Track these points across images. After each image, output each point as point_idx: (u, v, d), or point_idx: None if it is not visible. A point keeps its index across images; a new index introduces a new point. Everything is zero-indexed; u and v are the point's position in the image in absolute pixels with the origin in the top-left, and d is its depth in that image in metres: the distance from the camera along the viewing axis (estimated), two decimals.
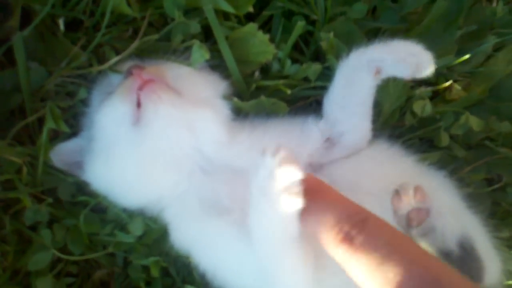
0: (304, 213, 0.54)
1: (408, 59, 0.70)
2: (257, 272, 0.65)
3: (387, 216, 0.68)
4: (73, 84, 0.80)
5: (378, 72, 0.73)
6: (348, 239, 0.48)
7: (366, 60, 0.73)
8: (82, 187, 0.81)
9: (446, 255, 0.67)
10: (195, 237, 0.73)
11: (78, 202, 0.82)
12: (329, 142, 0.78)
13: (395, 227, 0.50)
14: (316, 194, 0.54)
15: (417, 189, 0.68)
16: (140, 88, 0.70)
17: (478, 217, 0.77)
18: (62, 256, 0.81)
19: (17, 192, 0.77)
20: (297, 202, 0.53)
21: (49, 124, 0.74)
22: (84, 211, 0.80)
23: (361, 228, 0.48)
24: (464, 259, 0.68)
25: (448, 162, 0.86)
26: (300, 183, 0.54)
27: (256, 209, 0.58)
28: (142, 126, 0.70)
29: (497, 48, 0.90)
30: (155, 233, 0.82)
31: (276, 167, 0.53)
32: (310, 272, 0.62)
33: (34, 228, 0.81)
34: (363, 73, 0.74)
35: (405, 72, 0.70)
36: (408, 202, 0.67)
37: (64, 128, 0.75)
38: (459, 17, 0.86)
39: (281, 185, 0.53)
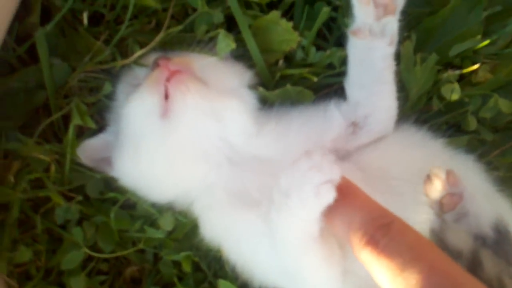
0: (332, 214, 0.54)
1: None
2: (283, 268, 0.64)
3: (418, 201, 0.68)
4: (97, 79, 0.79)
5: None
6: (372, 242, 0.49)
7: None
8: (110, 183, 0.80)
9: (481, 239, 0.66)
10: (224, 229, 0.72)
11: (106, 198, 0.81)
12: (354, 126, 0.76)
13: (418, 231, 0.50)
14: (345, 196, 0.54)
15: (449, 173, 0.66)
16: (168, 79, 0.69)
17: (509, 201, 0.75)
18: (93, 254, 0.80)
19: (47, 190, 0.77)
20: (325, 200, 0.53)
21: (76, 121, 0.74)
22: (114, 208, 0.79)
23: (385, 231, 0.49)
24: (500, 243, 0.66)
25: (476, 146, 0.85)
26: (335, 182, 0.53)
27: (278, 211, 0.58)
28: (170, 118, 0.69)
29: None
30: (185, 227, 0.81)
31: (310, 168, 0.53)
32: (335, 269, 0.62)
33: (63, 226, 0.81)
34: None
35: None
36: (441, 187, 0.66)
37: (91, 124, 0.75)
38: None
39: (316, 181, 0.53)
